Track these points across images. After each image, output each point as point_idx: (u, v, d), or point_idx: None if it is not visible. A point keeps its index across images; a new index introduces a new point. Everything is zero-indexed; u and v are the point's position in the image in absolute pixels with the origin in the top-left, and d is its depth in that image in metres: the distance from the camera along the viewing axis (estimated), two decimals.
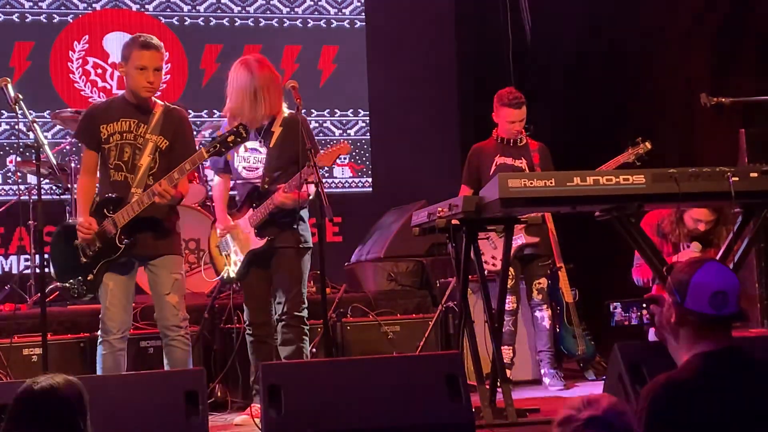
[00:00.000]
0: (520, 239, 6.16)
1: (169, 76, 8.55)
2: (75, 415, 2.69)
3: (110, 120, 4.94)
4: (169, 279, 4.91)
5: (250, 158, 5.34)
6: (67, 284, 4.94)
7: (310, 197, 5.16)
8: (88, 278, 4.87)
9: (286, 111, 5.35)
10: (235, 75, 5.33)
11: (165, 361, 4.93)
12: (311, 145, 4.95)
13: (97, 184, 5.01)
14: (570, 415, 2.13)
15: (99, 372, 4.87)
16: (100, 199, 4.91)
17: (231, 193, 5.58)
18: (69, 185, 6.63)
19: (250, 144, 5.29)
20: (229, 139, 4.86)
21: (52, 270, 5.04)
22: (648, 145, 6.27)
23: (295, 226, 5.23)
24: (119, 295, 4.87)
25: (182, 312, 4.92)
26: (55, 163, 5.40)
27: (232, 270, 5.40)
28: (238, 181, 5.43)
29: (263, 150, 5.30)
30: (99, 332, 4.93)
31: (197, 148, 5.05)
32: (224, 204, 5.46)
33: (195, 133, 6.04)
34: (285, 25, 9.07)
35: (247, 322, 5.39)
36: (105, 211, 4.86)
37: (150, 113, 4.96)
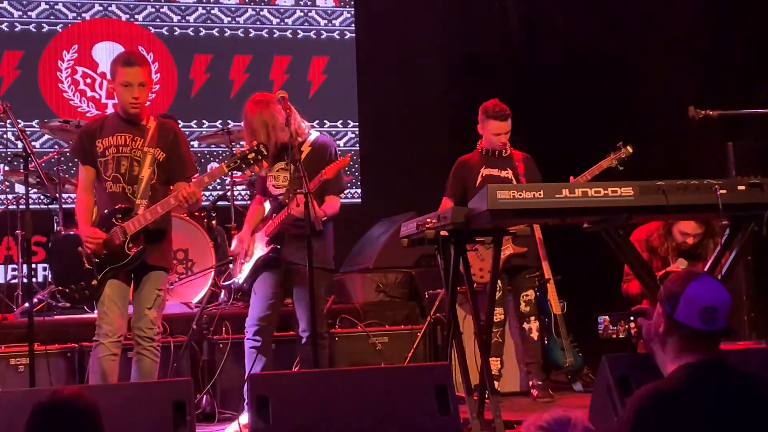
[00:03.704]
0: (507, 249, 6.17)
1: (158, 86, 8.54)
2: (97, 423, 2.70)
3: (105, 135, 5.05)
4: (152, 294, 5.01)
5: (280, 176, 5.48)
6: (68, 289, 5.02)
7: (324, 217, 5.27)
8: (92, 283, 4.95)
9: (314, 133, 5.55)
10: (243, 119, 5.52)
11: (133, 368, 5.03)
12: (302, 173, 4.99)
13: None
14: (533, 424, 2.18)
15: (92, 376, 4.93)
16: (109, 210, 4.98)
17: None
18: (57, 195, 6.63)
19: (281, 164, 5.42)
20: (250, 156, 5.01)
21: (50, 275, 5.11)
22: (629, 149, 6.30)
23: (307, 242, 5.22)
24: (116, 299, 4.96)
25: (157, 327, 5.05)
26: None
27: (241, 277, 5.54)
28: (269, 198, 5.57)
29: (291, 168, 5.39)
30: (94, 336, 4.98)
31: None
32: (252, 223, 5.56)
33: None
34: (275, 35, 9.08)
35: (249, 324, 5.41)
36: (113, 220, 4.95)
37: (143, 127, 5.07)
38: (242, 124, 5.54)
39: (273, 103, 5.37)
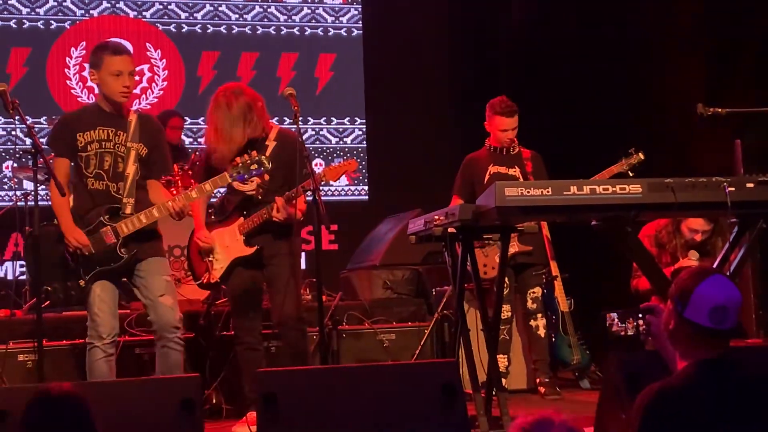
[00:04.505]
0: (512, 248, 6.16)
1: (166, 83, 8.55)
2: (90, 418, 2.71)
3: (86, 128, 4.90)
4: (161, 281, 4.90)
5: None
6: (50, 288, 4.85)
7: (302, 218, 5.24)
8: (80, 283, 4.83)
9: (277, 126, 5.43)
10: (208, 112, 5.40)
11: (158, 364, 4.90)
12: (309, 169, 4.97)
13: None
14: (518, 426, 2.22)
15: (90, 378, 4.84)
16: (95, 208, 4.87)
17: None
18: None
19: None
20: (252, 167, 4.89)
21: (27, 273, 4.96)
22: (641, 155, 6.28)
23: (288, 236, 5.26)
24: (107, 300, 4.85)
25: (178, 312, 4.92)
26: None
27: (215, 275, 5.41)
28: (228, 193, 5.47)
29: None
30: (87, 338, 4.88)
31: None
32: (201, 217, 5.45)
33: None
34: (282, 32, 9.08)
35: (236, 328, 5.40)
36: (101, 219, 4.84)
37: (125, 120, 4.94)
38: (215, 115, 5.36)
39: (245, 95, 5.31)
